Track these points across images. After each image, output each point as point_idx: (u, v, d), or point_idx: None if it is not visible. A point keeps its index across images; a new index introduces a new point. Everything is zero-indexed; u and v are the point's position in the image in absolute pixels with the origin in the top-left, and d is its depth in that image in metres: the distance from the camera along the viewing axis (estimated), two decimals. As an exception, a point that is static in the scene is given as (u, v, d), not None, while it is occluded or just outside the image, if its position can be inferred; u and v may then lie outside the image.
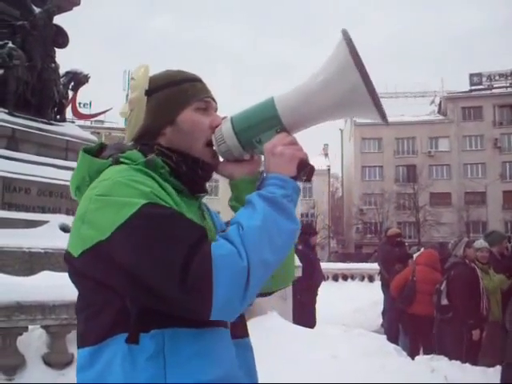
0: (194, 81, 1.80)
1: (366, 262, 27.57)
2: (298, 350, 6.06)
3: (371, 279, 18.64)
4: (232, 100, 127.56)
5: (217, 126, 1.73)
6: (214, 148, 1.71)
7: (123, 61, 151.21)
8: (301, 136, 1.72)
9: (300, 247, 8.96)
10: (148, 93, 1.74)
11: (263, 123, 1.65)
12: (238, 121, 1.68)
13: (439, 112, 65.56)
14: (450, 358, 6.54)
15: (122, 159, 1.62)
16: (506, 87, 62.97)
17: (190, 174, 1.70)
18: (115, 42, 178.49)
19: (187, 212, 1.57)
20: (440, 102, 65.57)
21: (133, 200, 1.42)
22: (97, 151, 1.71)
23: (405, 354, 6.44)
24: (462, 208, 56.87)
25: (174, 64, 2.16)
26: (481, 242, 8.05)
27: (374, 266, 15.49)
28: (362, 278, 19.76)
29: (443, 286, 7.51)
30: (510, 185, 58.36)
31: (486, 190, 57.14)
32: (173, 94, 1.74)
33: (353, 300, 14.89)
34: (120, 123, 61.66)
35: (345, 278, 20.30)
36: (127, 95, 1.87)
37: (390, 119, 52.00)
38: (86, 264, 1.47)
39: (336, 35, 1.54)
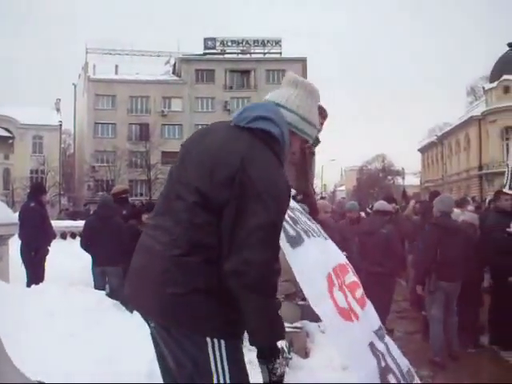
0: None
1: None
2: (12, 308, 5.89)
3: (100, 237, 18.54)
4: None
5: None
6: None
7: None
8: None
9: (32, 204, 9.86)
10: None
11: None
12: None
13: (174, 73, 66.76)
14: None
15: None
16: (238, 53, 66.18)
17: None
18: None
19: None
20: (175, 63, 66.74)
21: None
22: None
23: (124, 308, 6.54)
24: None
25: None
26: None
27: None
28: (91, 236, 19.54)
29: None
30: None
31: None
32: None
33: (80, 258, 14.72)
34: None
35: (73, 235, 19.91)
36: None
37: (125, 77, 51.19)
38: None
39: None
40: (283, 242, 3.88)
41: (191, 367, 2.51)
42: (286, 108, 2.72)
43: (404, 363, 4.07)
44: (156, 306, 2.54)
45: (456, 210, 9.05)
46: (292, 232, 4.01)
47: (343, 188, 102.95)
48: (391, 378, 3.80)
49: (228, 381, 2.49)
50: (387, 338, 4.20)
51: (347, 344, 3.78)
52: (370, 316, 4.14)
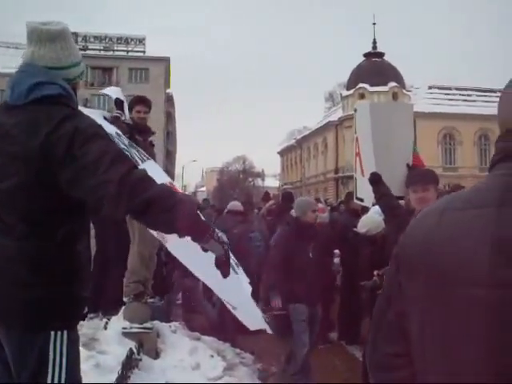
0: None
1: None
2: None
3: None
4: None
5: None
6: None
7: None
8: None
9: None
10: None
11: None
12: None
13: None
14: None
15: None
16: (100, 50, 64.67)
17: None
18: None
19: None
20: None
21: None
22: None
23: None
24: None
25: None
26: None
27: None
28: None
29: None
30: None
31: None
32: None
33: None
34: None
35: None
36: None
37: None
38: None
39: None
40: None
41: (28, 369, 2.40)
42: (62, 68, 2.64)
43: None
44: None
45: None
46: None
47: (204, 189, 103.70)
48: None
49: (63, 381, 2.42)
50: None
51: None
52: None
